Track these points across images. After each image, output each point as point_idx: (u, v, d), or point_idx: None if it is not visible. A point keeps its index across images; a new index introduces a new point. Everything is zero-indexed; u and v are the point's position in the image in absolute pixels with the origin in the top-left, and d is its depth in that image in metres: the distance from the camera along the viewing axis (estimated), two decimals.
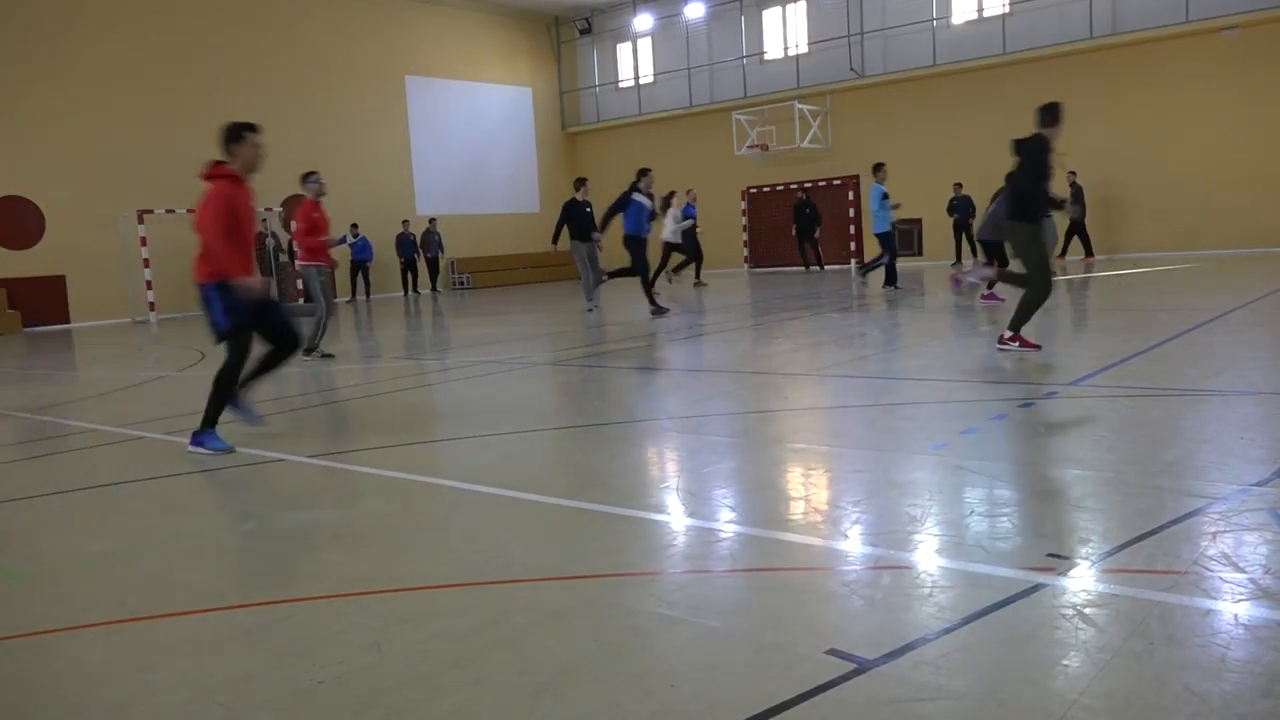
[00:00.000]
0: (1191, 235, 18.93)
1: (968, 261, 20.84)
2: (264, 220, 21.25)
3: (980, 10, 21.45)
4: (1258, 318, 8.68)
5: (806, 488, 4.09)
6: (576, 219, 13.53)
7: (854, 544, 3.26)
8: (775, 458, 4.69)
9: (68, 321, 19.12)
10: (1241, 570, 2.75)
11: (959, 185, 20.69)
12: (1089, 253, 19.22)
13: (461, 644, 2.58)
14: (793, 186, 24.54)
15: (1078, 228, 18.92)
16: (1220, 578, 2.71)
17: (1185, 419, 4.91)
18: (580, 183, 13.85)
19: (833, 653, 2.37)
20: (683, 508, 3.82)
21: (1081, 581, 2.76)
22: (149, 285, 18.94)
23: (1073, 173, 18.89)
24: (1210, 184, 18.70)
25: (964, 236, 20.71)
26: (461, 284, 25.47)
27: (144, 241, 18.77)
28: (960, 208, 20.64)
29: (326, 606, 2.95)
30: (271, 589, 3.11)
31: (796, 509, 3.76)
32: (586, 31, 27.76)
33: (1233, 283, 9.72)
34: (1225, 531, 3.08)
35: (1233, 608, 2.52)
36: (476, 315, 15.90)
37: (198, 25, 20.88)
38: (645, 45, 27.40)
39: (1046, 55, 20.23)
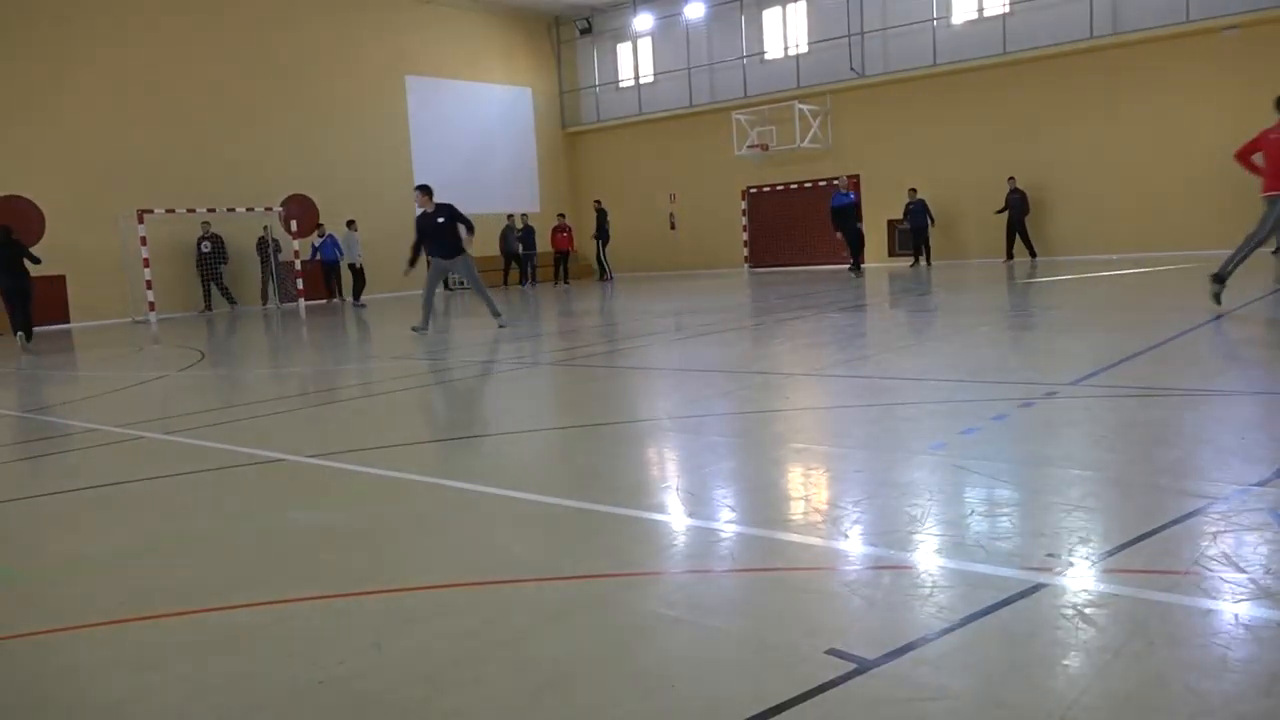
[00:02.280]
0: (1194, 235, 18.90)
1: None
2: (266, 226, 21.22)
3: (980, 10, 21.45)
4: (1259, 317, 8.68)
5: (806, 488, 4.09)
6: (430, 233, 11.70)
7: (854, 544, 3.26)
8: (775, 458, 4.69)
9: (67, 321, 19.12)
10: (1242, 570, 2.75)
11: (913, 190, 21.20)
12: (1032, 253, 20.52)
13: (462, 643, 2.58)
14: (793, 186, 24.54)
15: (1018, 228, 20.36)
16: (1221, 578, 2.70)
17: (1186, 419, 4.91)
18: (423, 191, 12.00)
19: (833, 652, 2.36)
20: (683, 508, 3.82)
21: (1082, 581, 2.76)
22: (149, 285, 18.93)
23: (1012, 178, 20.26)
24: (1212, 184, 18.67)
25: (923, 243, 21.54)
26: (460, 284, 25.45)
27: (144, 241, 18.76)
28: (916, 213, 21.39)
29: (327, 606, 2.95)
30: (271, 589, 3.11)
31: (796, 509, 3.76)
32: (586, 31, 27.75)
33: (1235, 282, 9.69)
34: (1226, 531, 3.08)
35: (1233, 608, 2.52)
36: (473, 315, 15.90)
37: (198, 25, 20.88)
38: (645, 45, 27.40)
39: (1047, 55, 20.22)
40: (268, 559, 3.49)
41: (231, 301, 21.08)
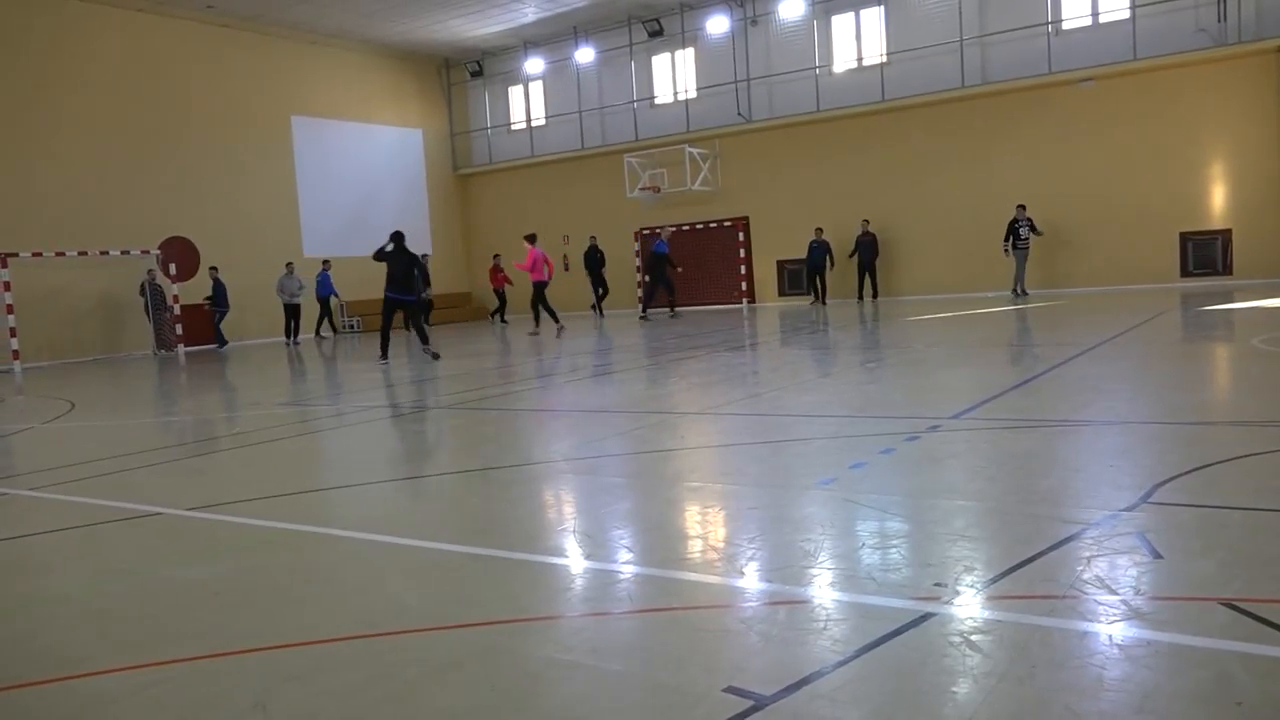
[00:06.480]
0: (1060, 275, 20.00)
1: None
2: (150, 270, 20.34)
3: (860, 60, 22.37)
4: (1121, 351, 9.18)
5: (702, 526, 4.11)
6: None
7: (750, 580, 3.28)
8: (671, 497, 4.70)
9: None
10: (1114, 592, 2.88)
11: (819, 230, 21.90)
12: (874, 294, 21.95)
13: (350, 699, 2.49)
14: (684, 228, 24.92)
15: (868, 269, 21.74)
16: (1095, 600, 2.83)
17: (1059, 449, 5.14)
18: None
19: (731, 690, 2.37)
20: (579, 550, 3.79)
21: (967, 609, 2.85)
22: (13, 333, 17.91)
23: (865, 220, 21.59)
24: (1074, 226, 19.84)
25: (819, 281, 22.24)
26: (351, 327, 24.93)
27: (7, 287, 17.77)
28: (817, 251, 22.09)
29: (206, 667, 2.81)
30: (145, 652, 2.95)
31: (693, 547, 3.78)
32: (477, 74, 27.76)
33: (1098, 320, 10.29)
34: (1099, 556, 3.23)
35: (1107, 629, 2.63)
36: (366, 360, 15.56)
37: (73, 61, 20.05)
38: (537, 88, 27.55)
39: (922, 103, 21.20)
40: (141, 620, 3.31)
41: None
